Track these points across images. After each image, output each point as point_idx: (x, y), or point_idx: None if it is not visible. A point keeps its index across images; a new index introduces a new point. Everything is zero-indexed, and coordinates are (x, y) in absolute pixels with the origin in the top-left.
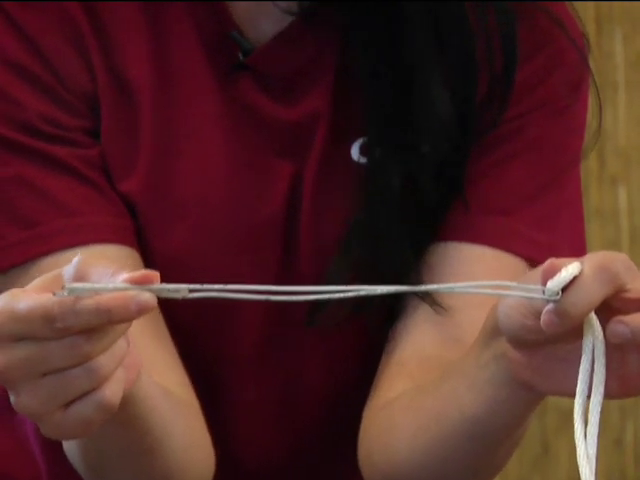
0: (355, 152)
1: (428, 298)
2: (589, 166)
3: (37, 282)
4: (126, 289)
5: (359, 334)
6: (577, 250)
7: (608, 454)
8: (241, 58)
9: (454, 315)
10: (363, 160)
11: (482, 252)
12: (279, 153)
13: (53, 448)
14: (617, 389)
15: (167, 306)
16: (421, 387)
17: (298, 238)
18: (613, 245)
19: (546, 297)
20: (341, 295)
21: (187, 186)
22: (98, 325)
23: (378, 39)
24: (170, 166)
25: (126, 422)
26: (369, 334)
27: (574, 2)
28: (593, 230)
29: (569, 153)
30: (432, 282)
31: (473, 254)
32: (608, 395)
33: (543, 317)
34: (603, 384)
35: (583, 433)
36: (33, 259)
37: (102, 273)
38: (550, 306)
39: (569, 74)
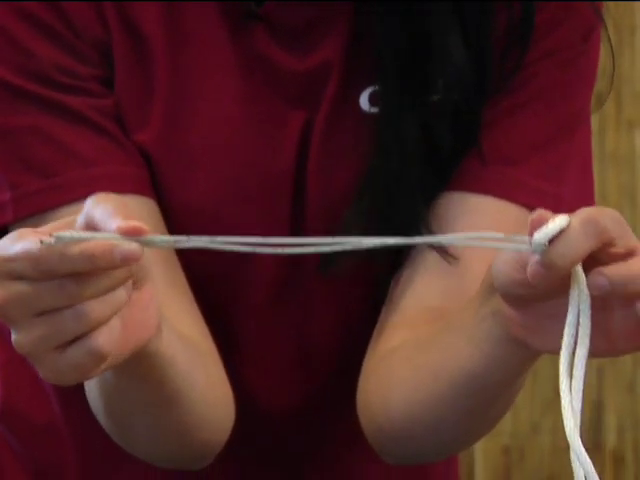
0: (364, 101)
1: (439, 248)
2: (606, 110)
3: (47, 227)
4: (114, 239)
5: (369, 282)
6: (584, 201)
7: (620, 400)
8: (253, 7)
9: (458, 267)
10: (372, 109)
11: (487, 202)
12: (291, 103)
13: (66, 387)
14: (603, 347)
15: (181, 254)
16: (421, 340)
17: (306, 187)
18: (629, 190)
19: (532, 248)
20: (327, 249)
21: (201, 136)
22: (83, 270)
23: None
24: (184, 116)
25: (145, 375)
26: (378, 282)
27: None
28: (609, 174)
29: (579, 103)
30: (437, 232)
31: (478, 205)
32: (594, 353)
33: (529, 268)
34: (588, 337)
35: (568, 387)
36: (51, 208)
37: (102, 215)
38: (537, 257)
39: (580, 23)
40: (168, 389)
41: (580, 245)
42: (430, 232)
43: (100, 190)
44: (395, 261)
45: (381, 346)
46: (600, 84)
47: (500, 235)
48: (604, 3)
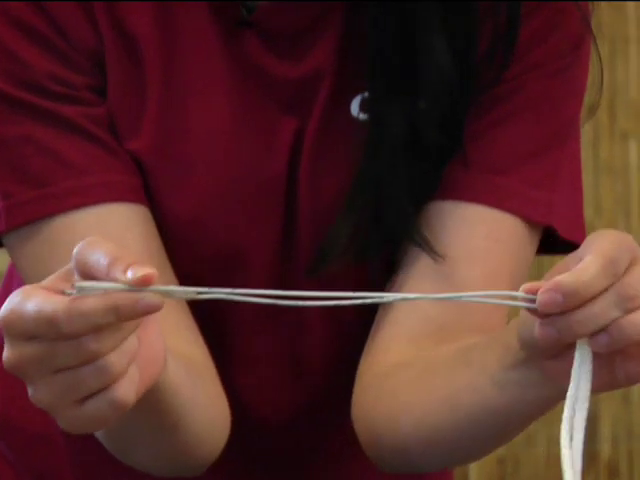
0: (355, 108)
1: (427, 247)
2: (600, 120)
3: (51, 278)
4: (135, 290)
5: (363, 288)
6: (574, 209)
7: (615, 410)
8: (244, 14)
9: (454, 272)
10: (362, 116)
11: (480, 212)
12: (283, 110)
13: None
14: (604, 382)
15: (174, 267)
16: (432, 364)
17: (298, 192)
18: (623, 200)
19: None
20: (347, 302)
21: (193, 143)
22: (105, 324)
23: None
24: (176, 124)
25: (149, 407)
26: (371, 288)
27: None
28: (603, 185)
29: (568, 113)
30: (430, 239)
31: (471, 214)
32: (594, 389)
33: (539, 329)
34: (587, 399)
35: (569, 437)
36: (44, 218)
37: (98, 260)
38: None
39: (569, 34)
40: (172, 417)
41: (597, 281)
42: (421, 236)
43: (94, 199)
44: (388, 267)
45: (379, 357)
46: (592, 94)
47: (513, 293)
48: (596, 13)
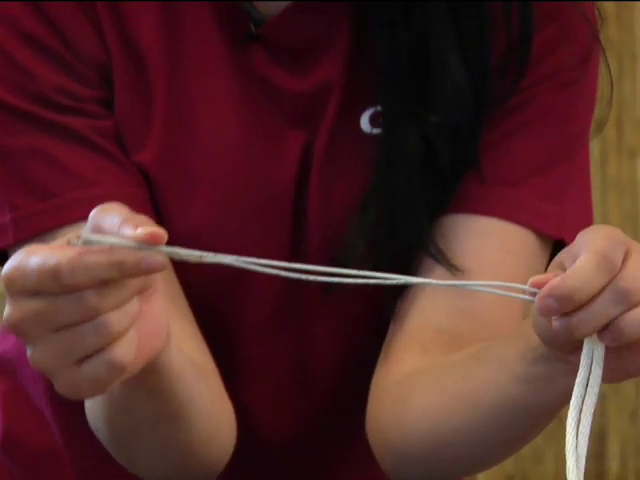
0: (365, 122)
1: (443, 259)
2: (608, 137)
3: (57, 242)
4: (142, 248)
5: (371, 301)
6: (585, 221)
7: (623, 428)
8: (253, 29)
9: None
10: (373, 130)
11: (492, 224)
12: (291, 123)
13: (66, 412)
14: (615, 379)
15: (182, 271)
16: (445, 368)
17: (307, 206)
18: (631, 217)
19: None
20: (352, 280)
21: (200, 157)
22: (108, 278)
23: (392, 6)
24: (183, 137)
25: (152, 388)
26: (381, 301)
27: None
28: (611, 201)
29: (578, 124)
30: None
31: (483, 226)
32: (606, 381)
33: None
34: (598, 386)
35: (575, 430)
36: (51, 230)
37: (112, 223)
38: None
39: (578, 46)
40: (175, 403)
41: (594, 280)
42: (436, 248)
43: None
44: (398, 287)
45: (392, 368)
46: (600, 110)
47: (522, 286)
48: (603, 30)
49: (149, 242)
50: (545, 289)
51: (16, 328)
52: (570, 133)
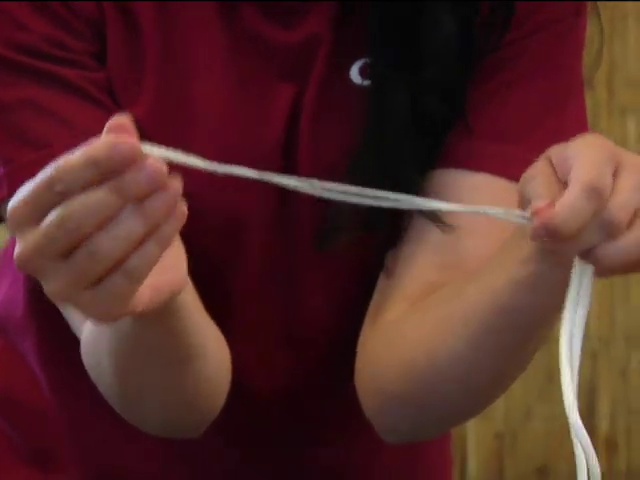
0: (355, 74)
1: (436, 217)
2: (598, 96)
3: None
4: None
5: (360, 257)
6: None
7: (613, 386)
8: None
9: (458, 242)
10: (363, 82)
11: (483, 180)
12: (281, 76)
13: (54, 369)
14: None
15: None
16: (435, 299)
17: (297, 160)
18: None
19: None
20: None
21: (191, 111)
22: (89, 175)
23: None
24: (175, 92)
25: (169, 327)
26: (370, 257)
27: None
28: None
29: (571, 76)
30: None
31: (474, 182)
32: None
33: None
34: (589, 298)
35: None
36: None
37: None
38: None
39: None
40: (188, 343)
41: (583, 214)
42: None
43: None
44: (390, 237)
45: (380, 320)
46: (591, 67)
47: (501, 210)
48: None
49: (117, 131)
50: (538, 221)
51: (27, 263)
52: (563, 84)
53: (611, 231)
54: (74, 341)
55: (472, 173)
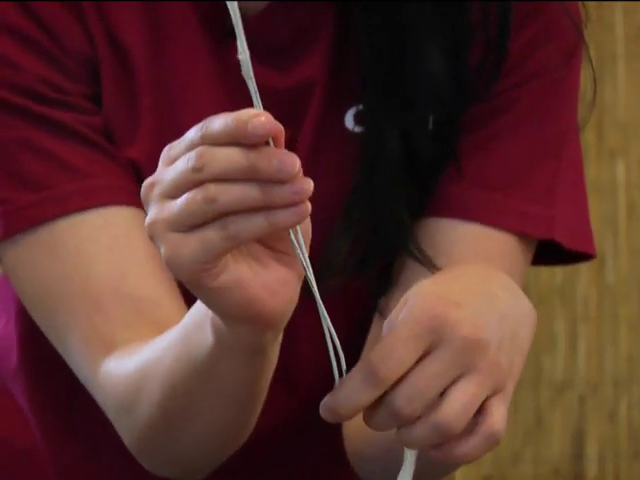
0: (349, 120)
1: (425, 261)
2: (587, 139)
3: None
4: None
5: (353, 301)
6: (579, 221)
7: (602, 428)
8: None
9: None
10: (357, 128)
11: (473, 230)
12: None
13: (45, 409)
14: None
15: None
16: None
17: None
18: (610, 219)
19: None
20: None
21: None
22: (225, 134)
23: (374, 2)
24: (170, 132)
25: (250, 362)
26: (363, 301)
27: None
28: (591, 204)
29: (563, 123)
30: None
31: (463, 232)
32: None
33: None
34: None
35: None
36: (44, 222)
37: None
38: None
39: (562, 44)
40: (258, 384)
41: (358, 400)
42: (419, 249)
43: (97, 201)
44: (382, 281)
45: None
46: (581, 111)
47: None
48: (585, 28)
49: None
50: (324, 400)
51: (154, 230)
52: (556, 132)
53: (396, 421)
54: (70, 385)
55: (462, 222)
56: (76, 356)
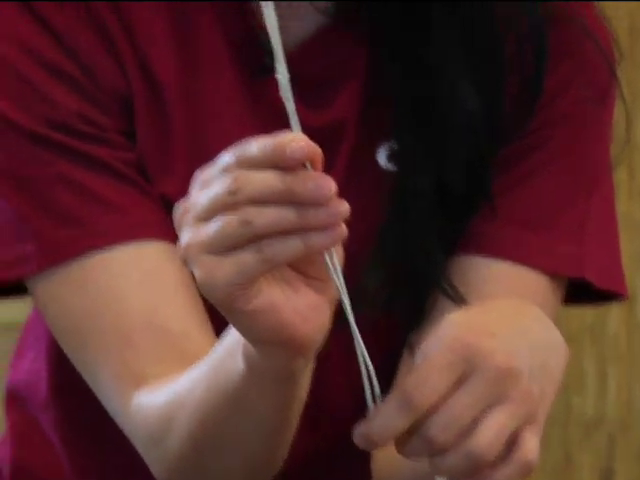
0: (381, 158)
1: (457, 298)
2: (619, 177)
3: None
4: None
5: (384, 335)
6: (609, 256)
7: (631, 467)
8: (267, 61)
9: None
10: (390, 166)
11: (505, 268)
12: None
13: (75, 441)
14: None
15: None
16: None
17: None
18: None
19: None
20: None
21: None
22: (263, 160)
23: (407, 39)
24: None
25: (289, 385)
26: (394, 336)
27: (607, 12)
28: (622, 242)
29: (596, 161)
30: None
31: (495, 270)
32: None
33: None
34: None
35: None
36: (79, 255)
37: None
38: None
39: (595, 83)
40: (289, 413)
41: (393, 427)
42: (451, 286)
43: (133, 235)
44: (413, 316)
45: None
46: (613, 149)
47: None
48: (618, 66)
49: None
50: (357, 427)
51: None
52: (588, 171)
53: (430, 449)
54: (100, 417)
55: (494, 260)
56: (107, 390)
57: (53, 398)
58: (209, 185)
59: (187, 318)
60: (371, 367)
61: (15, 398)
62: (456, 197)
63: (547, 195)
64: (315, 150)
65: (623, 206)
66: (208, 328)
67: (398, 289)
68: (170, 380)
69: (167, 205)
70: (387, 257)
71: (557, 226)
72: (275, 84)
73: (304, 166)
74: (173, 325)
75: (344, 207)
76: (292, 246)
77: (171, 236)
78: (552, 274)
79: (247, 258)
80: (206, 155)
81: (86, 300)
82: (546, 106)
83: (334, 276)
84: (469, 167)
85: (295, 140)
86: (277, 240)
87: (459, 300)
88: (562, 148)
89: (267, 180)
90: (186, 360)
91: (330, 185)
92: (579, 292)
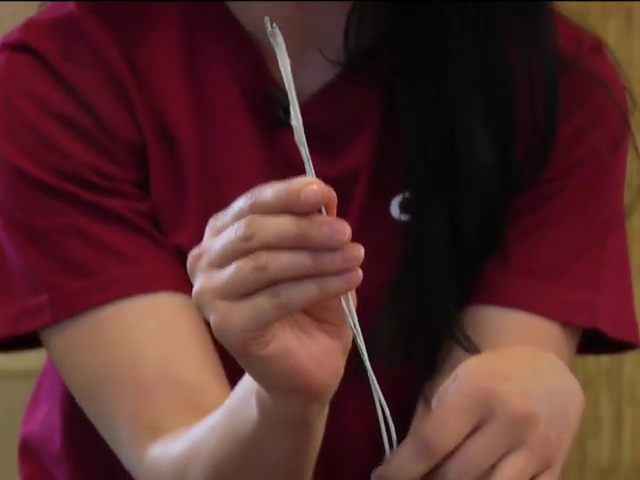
0: (395, 209)
1: (471, 348)
2: (632, 224)
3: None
4: None
5: (397, 386)
6: (622, 306)
7: None
8: (281, 115)
9: None
10: (403, 217)
11: (518, 318)
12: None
13: None
14: None
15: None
16: None
17: None
18: None
19: None
20: None
21: None
22: (277, 206)
23: (421, 86)
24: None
25: (301, 432)
26: (407, 387)
27: (619, 56)
28: (635, 290)
29: (609, 211)
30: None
31: (510, 321)
32: None
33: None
34: None
35: None
36: (92, 308)
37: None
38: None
39: (609, 132)
40: (304, 460)
41: (411, 473)
42: (464, 335)
43: (143, 287)
44: (428, 367)
45: None
46: (627, 197)
47: None
48: (631, 115)
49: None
50: (375, 471)
51: (201, 297)
52: (601, 220)
53: None
54: (114, 470)
55: (507, 310)
56: (122, 441)
57: (67, 451)
58: (223, 231)
59: (202, 370)
60: (387, 410)
61: (29, 450)
62: (469, 248)
63: (561, 245)
64: (330, 194)
65: (636, 253)
66: (223, 380)
67: (412, 339)
68: (185, 431)
69: (181, 256)
70: (401, 306)
71: (570, 276)
72: (289, 137)
73: (319, 211)
74: (188, 377)
75: (359, 251)
76: (308, 291)
77: (185, 287)
78: (565, 324)
79: (262, 303)
80: (220, 206)
81: (101, 352)
82: (560, 156)
83: (350, 321)
84: (483, 217)
85: (309, 184)
86: (292, 285)
87: (473, 350)
88: (576, 198)
89: (282, 225)
90: (201, 412)
91: (346, 229)
92: (594, 341)
